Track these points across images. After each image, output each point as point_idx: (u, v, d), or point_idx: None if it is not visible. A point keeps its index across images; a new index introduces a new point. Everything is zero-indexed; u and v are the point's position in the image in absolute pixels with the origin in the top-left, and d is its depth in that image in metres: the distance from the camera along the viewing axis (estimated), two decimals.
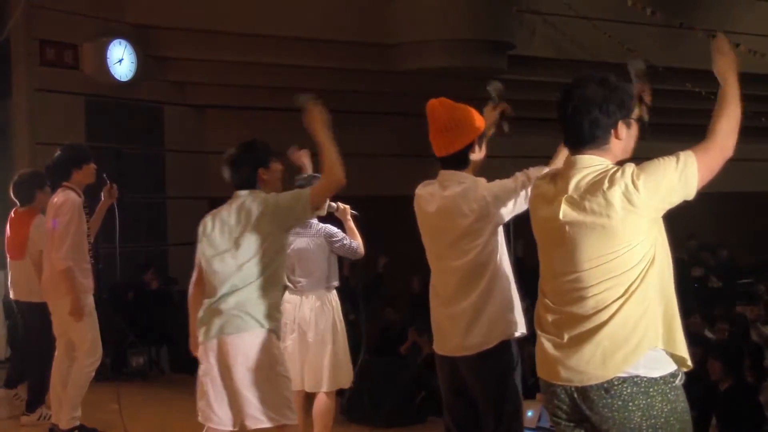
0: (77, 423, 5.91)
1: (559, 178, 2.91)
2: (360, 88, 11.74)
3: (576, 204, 2.80)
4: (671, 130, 9.02)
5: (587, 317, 2.79)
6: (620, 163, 2.86)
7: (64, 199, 5.79)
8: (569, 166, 2.89)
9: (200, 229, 4.23)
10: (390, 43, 11.50)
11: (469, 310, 3.76)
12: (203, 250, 4.19)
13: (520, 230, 3.94)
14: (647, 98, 3.25)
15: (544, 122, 8.58)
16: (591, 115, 2.85)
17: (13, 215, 6.70)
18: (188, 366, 9.89)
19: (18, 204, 6.65)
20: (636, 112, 2.98)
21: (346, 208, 5.56)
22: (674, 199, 2.79)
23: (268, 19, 10.75)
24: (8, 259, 6.74)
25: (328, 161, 4.05)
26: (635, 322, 2.75)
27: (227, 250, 4.09)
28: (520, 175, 3.77)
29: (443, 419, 4.05)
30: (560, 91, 2.96)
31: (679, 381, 2.82)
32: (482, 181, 3.81)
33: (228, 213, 4.16)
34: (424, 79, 11.02)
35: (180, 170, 11.55)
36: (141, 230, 10.90)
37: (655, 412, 2.75)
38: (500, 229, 3.82)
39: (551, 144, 3.92)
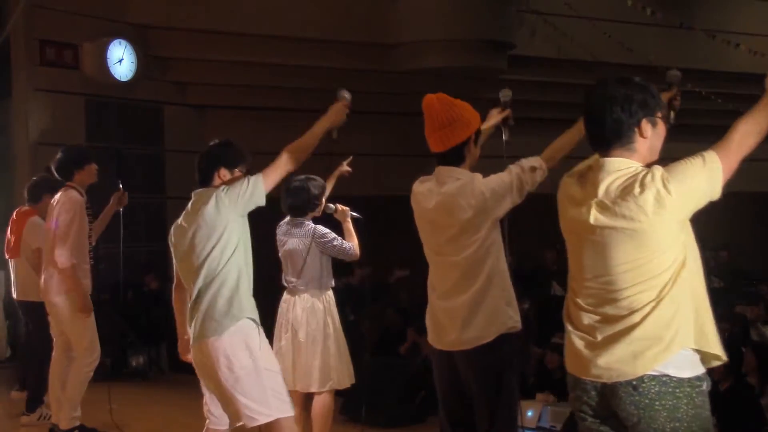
0: (77, 423, 5.92)
1: (588, 180, 2.92)
2: (360, 88, 11.70)
3: (607, 209, 2.81)
4: (671, 130, 9.01)
5: (621, 318, 2.81)
6: (648, 165, 2.87)
7: (66, 198, 5.83)
8: (598, 169, 2.89)
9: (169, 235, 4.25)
10: (390, 43, 11.50)
11: (467, 305, 3.78)
12: (173, 255, 4.23)
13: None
14: (676, 103, 3.31)
15: (544, 122, 8.59)
16: (613, 114, 2.85)
17: (14, 216, 6.75)
18: (188, 366, 9.95)
19: (26, 201, 6.76)
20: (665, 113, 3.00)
21: (345, 210, 5.55)
22: (703, 201, 2.81)
23: (268, 19, 10.75)
24: (9, 259, 6.77)
25: (302, 143, 4.09)
26: (667, 322, 2.77)
27: (186, 251, 4.11)
28: (514, 168, 3.78)
29: (439, 415, 4.05)
30: (584, 93, 2.96)
31: (706, 386, 2.84)
32: (479, 176, 3.82)
33: (183, 214, 4.19)
34: (424, 79, 11.01)
35: (180, 170, 11.53)
36: (141, 230, 10.90)
37: (679, 415, 2.77)
38: (498, 225, 3.83)
39: (551, 143, 3.93)
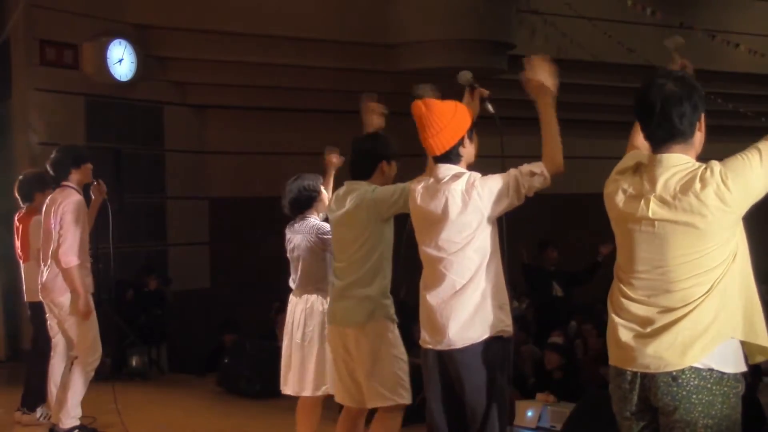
0: (77, 423, 5.92)
1: (645, 175, 2.96)
2: (360, 88, 11.72)
3: (667, 203, 2.86)
4: None
5: (674, 310, 2.86)
6: (703, 161, 2.92)
7: (68, 198, 5.83)
8: (654, 164, 2.94)
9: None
10: (390, 43, 11.51)
11: (457, 304, 3.78)
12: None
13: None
14: (690, 70, 3.29)
15: None
16: (681, 109, 2.90)
17: (17, 222, 6.76)
18: (187, 366, 9.97)
19: (20, 201, 6.73)
20: None
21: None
22: (760, 194, 2.86)
23: (268, 19, 10.75)
24: (22, 264, 6.79)
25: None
26: (715, 314, 2.83)
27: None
28: (513, 170, 3.77)
29: (425, 417, 4.02)
30: (637, 94, 2.99)
31: (741, 389, 2.90)
32: (477, 175, 3.82)
33: (335, 202, 4.49)
34: (424, 79, 10.99)
35: (180, 170, 11.55)
36: (141, 230, 10.91)
37: (714, 411, 2.83)
38: (494, 227, 3.82)
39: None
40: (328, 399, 5.26)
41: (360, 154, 4.48)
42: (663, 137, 2.94)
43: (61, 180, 5.97)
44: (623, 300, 2.98)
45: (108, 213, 6.30)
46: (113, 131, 10.45)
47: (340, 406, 4.82)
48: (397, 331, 4.47)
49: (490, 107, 4.03)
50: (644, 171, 2.97)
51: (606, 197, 3.07)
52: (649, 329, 2.89)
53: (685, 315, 2.83)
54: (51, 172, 6.03)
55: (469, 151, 3.88)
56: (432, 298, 3.88)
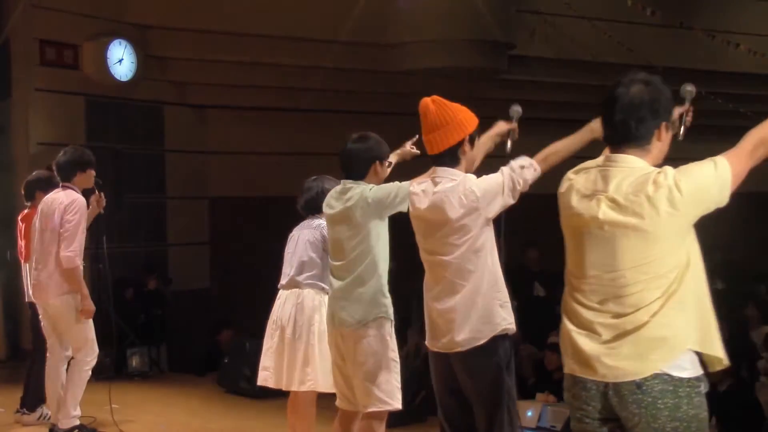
0: (77, 423, 5.91)
1: (598, 175, 2.92)
2: (360, 88, 11.74)
3: (618, 205, 2.82)
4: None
5: (627, 315, 2.82)
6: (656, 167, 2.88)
7: (73, 198, 5.81)
8: (609, 164, 2.91)
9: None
10: (390, 43, 11.50)
11: (460, 306, 3.79)
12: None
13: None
14: (689, 119, 3.30)
15: (543, 122, 8.59)
16: (639, 114, 2.87)
17: (20, 221, 6.76)
18: (187, 365, 9.98)
19: (24, 201, 6.76)
20: (674, 126, 3.05)
21: None
22: (711, 206, 2.82)
23: (268, 19, 10.75)
24: (23, 263, 6.79)
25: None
26: (674, 323, 2.79)
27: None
28: (505, 169, 3.78)
29: (425, 417, 4.07)
30: (607, 92, 2.96)
31: (704, 388, 2.85)
32: (471, 176, 3.83)
33: (335, 199, 4.47)
34: (424, 79, 11.01)
35: (180, 170, 11.56)
36: (141, 230, 10.91)
37: (680, 414, 2.79)
38: (491, 226, 3.83)
39: (550, 143, 3.93)
40: (327, 399, 5.25)
41: (352, 155, 4.45)
42: (618, 139, 2.92)
43: (65, 181, 5.95)
44: (576, 306, 2.93)
45: (98, 220, 6.31)
46: (113, 131, 10.45)
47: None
48: (393, 332, 4.46)
49: (509, 146, 4.07)
50: (598, 171, 2.94)
51: (559, 197, 3.03)
52: (605, 337, 2.83)
53: (644, 323, 2.78)
54: (55, 172, 6.02)
55: (470, 156, 3.89)
56: (435, 301, 3.89)
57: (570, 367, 2.96)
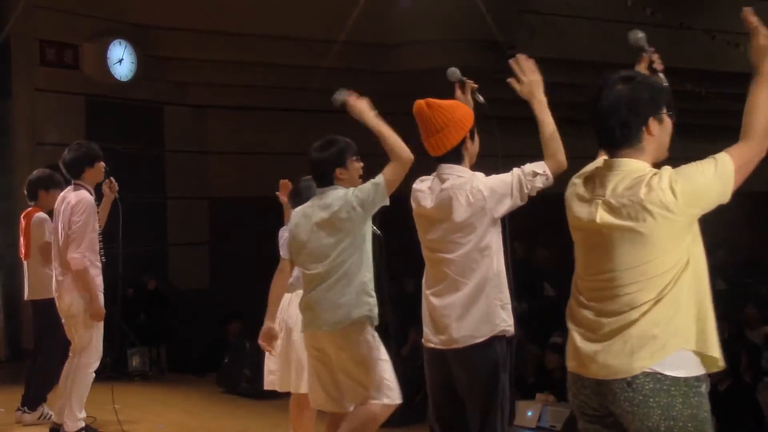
0: (83, 425, 5.89)
1: (597, 180, 2.92)
2: (360, 88, 11.72)
3: (613, 208, 2.82)
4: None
5: (619, 314, 2.82)
6: (657, 165, 2.86)
7: (79, 198, 5.77)
8: (606, 169, 2.90)
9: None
10: (390, 43, 11.51)
11: (460, 303, 3.79)
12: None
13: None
14: (658, 66, 3.23)
15: None
16: (621, 116, 2.84)
17: (22, 219, 6.76)
18: (187, 365, 9.98)
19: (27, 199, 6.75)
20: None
21: None
22: (711, 204, 2.80)
23: (268, 19, 10.75)
24: (24, 261, 6.78)
25: (389, 144, 4.14)
26: (666, 322, 2.77)
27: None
28: (516, 171, 3.78)
29: (426, 416, 4.04)
30: (589, 93, 2.94)
31: (704, 388, 2.83)
32: (480, 175, 3.83)
33: (310, 208, 4.39)
34: (424, 79, 11.00)
35: (180, 170, 11.56)
36: (141, 230, 10.90)
37: (674, 413, 2.76)
38: (498, 226, 3.82)
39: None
40: None
41: (315, 165, 4.42)
42: (607, 144, 2.91)
43: (75, 178, 5.90)
44: (575, 306, 2.96)
45: (117, 213, 6.27)
46: (113, 131, 10.44)
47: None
48: (375, 333, 4.36)
49: (480, 98, 4.08)
50: (597, 175, 2.93)
51: (565, 201, 3.03)
52: (597, 334, 2.85)
53: (633, 321, 2.78)
54: (64, 170, 5.98)
55: (471, 151, 3.90)
56: (435, 297, 3.88)
57: (570, 364, 2.98)
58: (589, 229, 2.89)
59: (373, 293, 4.36)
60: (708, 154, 2.91)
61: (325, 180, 4.37)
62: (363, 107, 4.23)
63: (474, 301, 3.78)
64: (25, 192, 6.75)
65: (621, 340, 2.80)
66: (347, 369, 4.33)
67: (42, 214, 6.54)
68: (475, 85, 4.08)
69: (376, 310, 4.35)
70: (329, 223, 4.29)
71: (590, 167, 3.04)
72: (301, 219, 4.42)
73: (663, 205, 2.74)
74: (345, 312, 4.27)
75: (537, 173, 3.74)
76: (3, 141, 9.94)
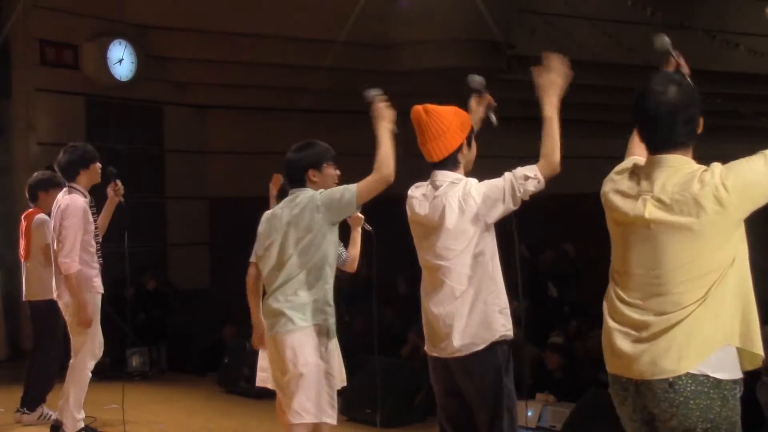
0: (82, 425, 5.88)
1: (642, 176, 2.93)
2: (360, 88, 11.72)
3: (663, 204, 2.83)
4: None
5: (667, 314, 2.82)
6: (701, 161, 2.89)
7: (68, 202, 5.76)
8: (653, 165, 2.91)
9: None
10: (390, 43, 11.51)
11: (459, 311, 3.78)
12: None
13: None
14: (685, 69, 3.25)
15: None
16: (683, 117, 2.88)
17: (22, 221, 6.76)
18: (187, 365, 9.98)
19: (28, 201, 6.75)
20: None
21: (359, 218, 5.17)
22: (762, 200, 2.81)
23: (269, 19, 10.75)
24: (23, 262, 6.78)
25: (381, 155, 4.07)
26: (711, 319, 2.79)
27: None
28: (508, 175, 3.76)
29: (437, 420, 4.05)
30: (636, 100, 2.95)
31: (739, 392, 2.87)
32: (473, 181, 3.83)
33: (281, 209, 4.32)
34: (424, 79, 11.02)
35: (180, 170, 11.56)
36: (141, 230, 10.90)
37: (712, 416, 2.79)
38: (492, 232, 3.82)
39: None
40: None
41: (288, 165, 4.37)
42: (663, 145, 2.91)
43: (69, 181, 5.89)
44: (618, 303, 2.94)
45: (124, 213, 6.25)
46: (113, 131, 10.47)
47: None
48: (332, 344, 4.26)
49: (493, 118, 4.02)
50: (641, 171, 2.94)
51: (602, 196, 3.04)
52: (644, 334, 2.84)
53: (680, 321, 2.79)
54: (59, 173, 5.98)
55: (468, 157, 3.90)
56: (433, 305, 3.88)
57: (609, 365, 2.98)
58: (635, 224, 2.89)
59: (332, 303, 4.23)
60: (709, 153, 2.94)
61: (297, 181, 4.31)
62: (386, 115, 4.14)
63: (472, 309, 3.77)
64: (26, 193, 6.75)
65: (667, 339, 2.81)
66: (295, 378, 4.14)
67: (42, 216, 6.54)
68: (494, 103, 4.02)
69: (332, 321, 4.22)
70: (295, 223, 4.22)
71: (629, 163, 3.05)
72: (271, 219, 4.38)
73: (716, 200, 2.75)
74: (303, 316, 4.16)
75: (528, 177, 3.71)
76: (3, 141, 9.95)
